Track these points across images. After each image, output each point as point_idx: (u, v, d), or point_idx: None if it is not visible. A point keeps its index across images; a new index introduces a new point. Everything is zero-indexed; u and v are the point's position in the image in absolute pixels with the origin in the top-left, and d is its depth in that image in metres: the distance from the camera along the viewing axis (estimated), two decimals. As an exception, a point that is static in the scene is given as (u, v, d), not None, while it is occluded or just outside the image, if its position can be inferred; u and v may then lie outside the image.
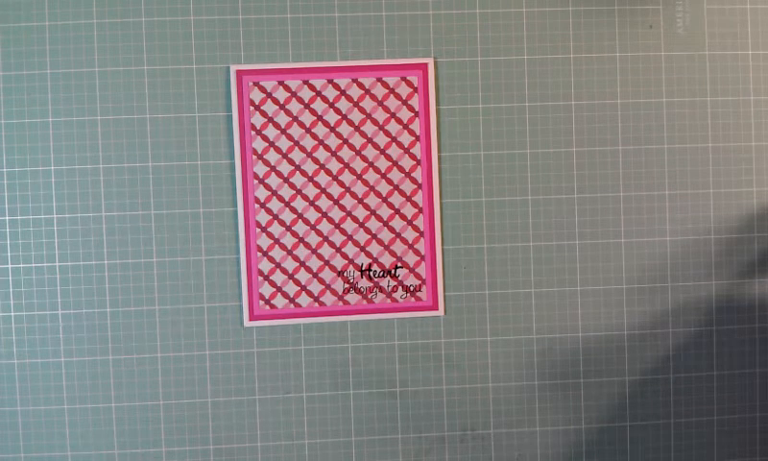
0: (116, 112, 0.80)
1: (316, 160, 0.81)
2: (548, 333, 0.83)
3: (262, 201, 0.80)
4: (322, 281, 0.81)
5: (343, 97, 0.81)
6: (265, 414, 0.82)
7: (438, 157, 0.81)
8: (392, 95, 0.81)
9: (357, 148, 0.81)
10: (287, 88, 0.80)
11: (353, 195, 0.81)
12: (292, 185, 0.81)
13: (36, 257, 0.79)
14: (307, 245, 0.81)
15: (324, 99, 0.81)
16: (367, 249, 0.81)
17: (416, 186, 0.81)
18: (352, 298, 0.82)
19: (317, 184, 0.81)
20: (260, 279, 0.81)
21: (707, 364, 0.83)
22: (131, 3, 0.79)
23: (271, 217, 0.81)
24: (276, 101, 0.80)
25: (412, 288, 0.82)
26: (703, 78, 0.83)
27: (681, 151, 0.82)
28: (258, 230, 0.81)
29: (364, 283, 0.82)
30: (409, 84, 0.81)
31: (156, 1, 0.79)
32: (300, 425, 0.82)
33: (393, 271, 0.82)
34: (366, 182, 0.81)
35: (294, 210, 0.81)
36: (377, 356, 0.82)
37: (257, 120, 0.80)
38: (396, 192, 0.81)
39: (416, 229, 0.82)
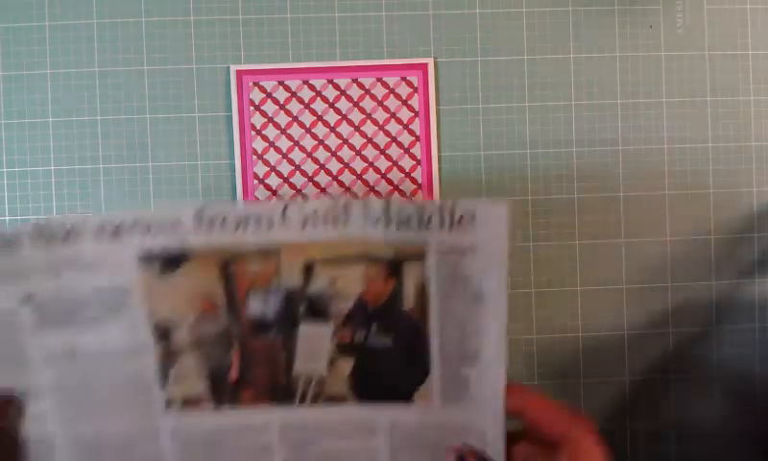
0: (116, 112, 0.79)
1: (316, 160, 0.81)
2: (548, 333, 0.83)
3: (262, 201, 0.80)
4: (322, 281, 0.81)
5: (343, 97, 0.81)
6: (265, 414, 0.81)
7: (438, 157, 0.81)
8: (392, 95, 0.81)
9: (357, 148, 0.81)
10: (287, 88, 0.80)
11: (353, 195, 0.81)
12: (292, 185, 0.81)
13: (35, 257, 0.79)
14: (307, 245, 0.81)
15: (325, 99, 0.81)
16: (367, 249, 0.81)
17: (416, 186, 0.81)
18: (352, 298, 0.81)
19: (317, 184, 0.81)
20: (260, 279, 0.81)
21: (707, 364, 0.83)
22: (131, 3, 0.79)
23: (271, 217, 0.81)
24: (276, 101, 0.80)
25: (412, 288, 0.82)
26: (703, 78, 0.83)
27: (681, 151, 0.82)
28: (258, 230, 0.80)
29: (364, 283, 0.81)
30: (409, 84, 0.81)
31: (156, 1, 0.79)
32: (300, 425, 0.82)
33: (393, 271, 0.82)
34: (366, 182, 0.81)
35: (294, 210, 0.81)
36: (377, 356, 0.82)
37: (257, 120, 0.80)
38: (395, 192, 0.81)
39: (416, 229, 0.81)
